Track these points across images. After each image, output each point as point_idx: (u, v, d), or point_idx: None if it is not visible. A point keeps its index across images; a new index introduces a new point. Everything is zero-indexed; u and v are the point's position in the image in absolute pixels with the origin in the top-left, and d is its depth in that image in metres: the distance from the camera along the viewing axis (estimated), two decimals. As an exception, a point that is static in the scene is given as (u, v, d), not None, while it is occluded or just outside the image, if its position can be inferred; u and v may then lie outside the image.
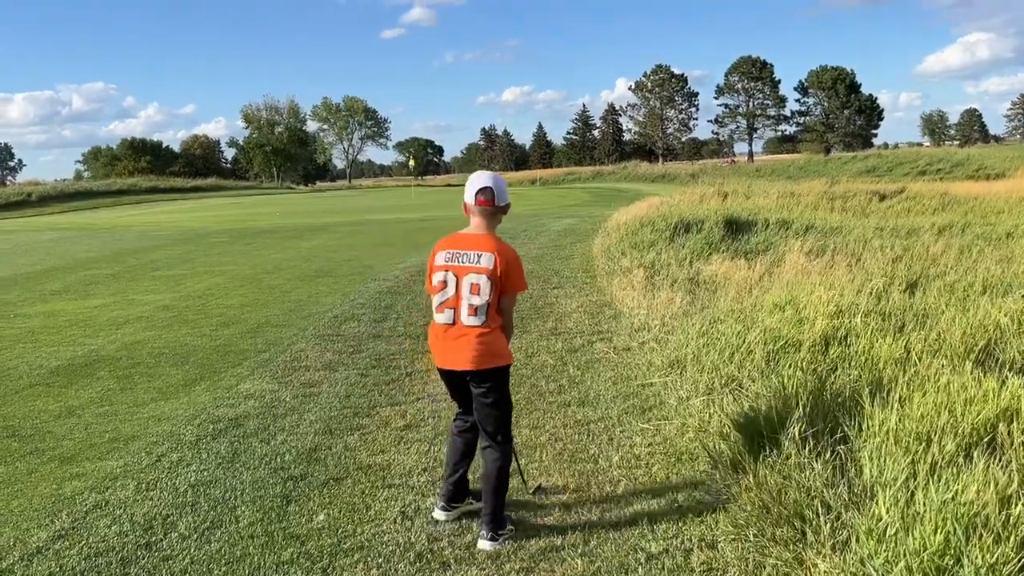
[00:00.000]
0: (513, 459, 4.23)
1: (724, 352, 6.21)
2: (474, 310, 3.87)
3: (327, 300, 11.14)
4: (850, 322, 6.23)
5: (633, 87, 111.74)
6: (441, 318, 3.97)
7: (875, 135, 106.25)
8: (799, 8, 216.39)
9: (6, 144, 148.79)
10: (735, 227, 14.61)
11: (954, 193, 22.34)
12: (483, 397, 3.98)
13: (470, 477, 4.41)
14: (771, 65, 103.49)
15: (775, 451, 4.29)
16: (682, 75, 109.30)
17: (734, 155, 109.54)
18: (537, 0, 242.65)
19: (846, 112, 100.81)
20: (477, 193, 3.94)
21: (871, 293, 7.13)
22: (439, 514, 4.29)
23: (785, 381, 5.14)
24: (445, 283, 3.93)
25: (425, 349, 6.20)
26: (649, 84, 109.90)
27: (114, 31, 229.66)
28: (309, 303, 11.00)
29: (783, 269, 9.50)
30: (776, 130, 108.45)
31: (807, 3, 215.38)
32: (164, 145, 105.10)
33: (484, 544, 3.97)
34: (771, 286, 9.09)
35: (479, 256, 3.88)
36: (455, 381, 4.10)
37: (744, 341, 6.20)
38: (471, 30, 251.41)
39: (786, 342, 6.01)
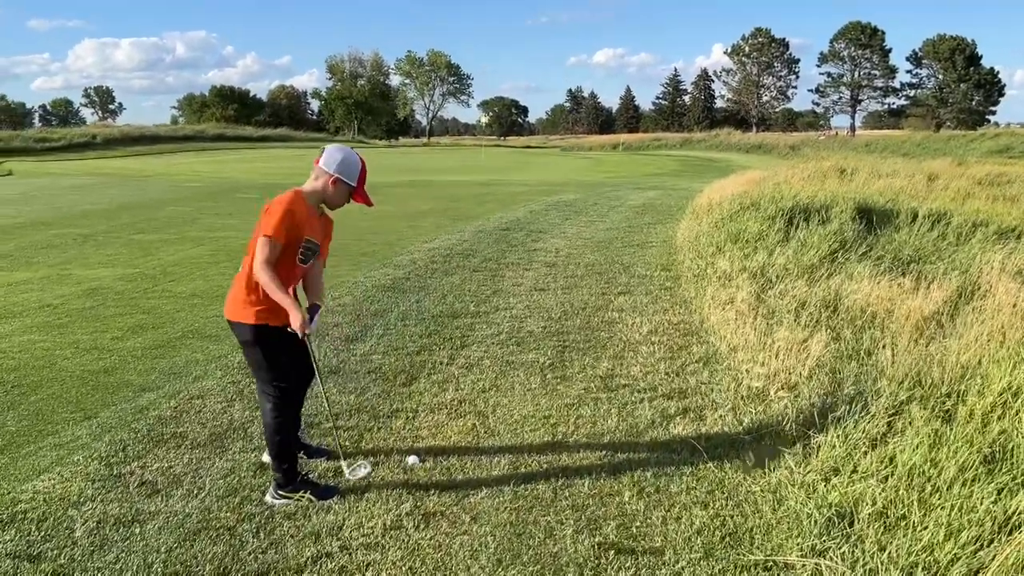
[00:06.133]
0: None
1: (962, 513, 2.87)
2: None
3: (305, 294, 8.11)
4: None
5: (729, 51, 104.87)
6: None
7: (993, 112, 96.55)
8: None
9: (107, 87, 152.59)
10: (871, 219, 10.94)
11: None
12: (242, 346, 3.79)
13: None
14: (882, 32, 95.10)
15: None
16: (783, 40, 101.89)
17: (830, 128, 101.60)
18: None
19: (963, 86, 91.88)
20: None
21: None
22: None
23: None
24: None
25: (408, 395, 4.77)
26: (747, 48, 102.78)
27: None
28: (279, 297, 7.99)
29: (985, 303, 5.96)
30: (882, 103, 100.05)
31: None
32: (252, 94, 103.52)
33: (267, 497, 3.75)
34: (966, 331, 5.60)
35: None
36: None
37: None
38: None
39: None
